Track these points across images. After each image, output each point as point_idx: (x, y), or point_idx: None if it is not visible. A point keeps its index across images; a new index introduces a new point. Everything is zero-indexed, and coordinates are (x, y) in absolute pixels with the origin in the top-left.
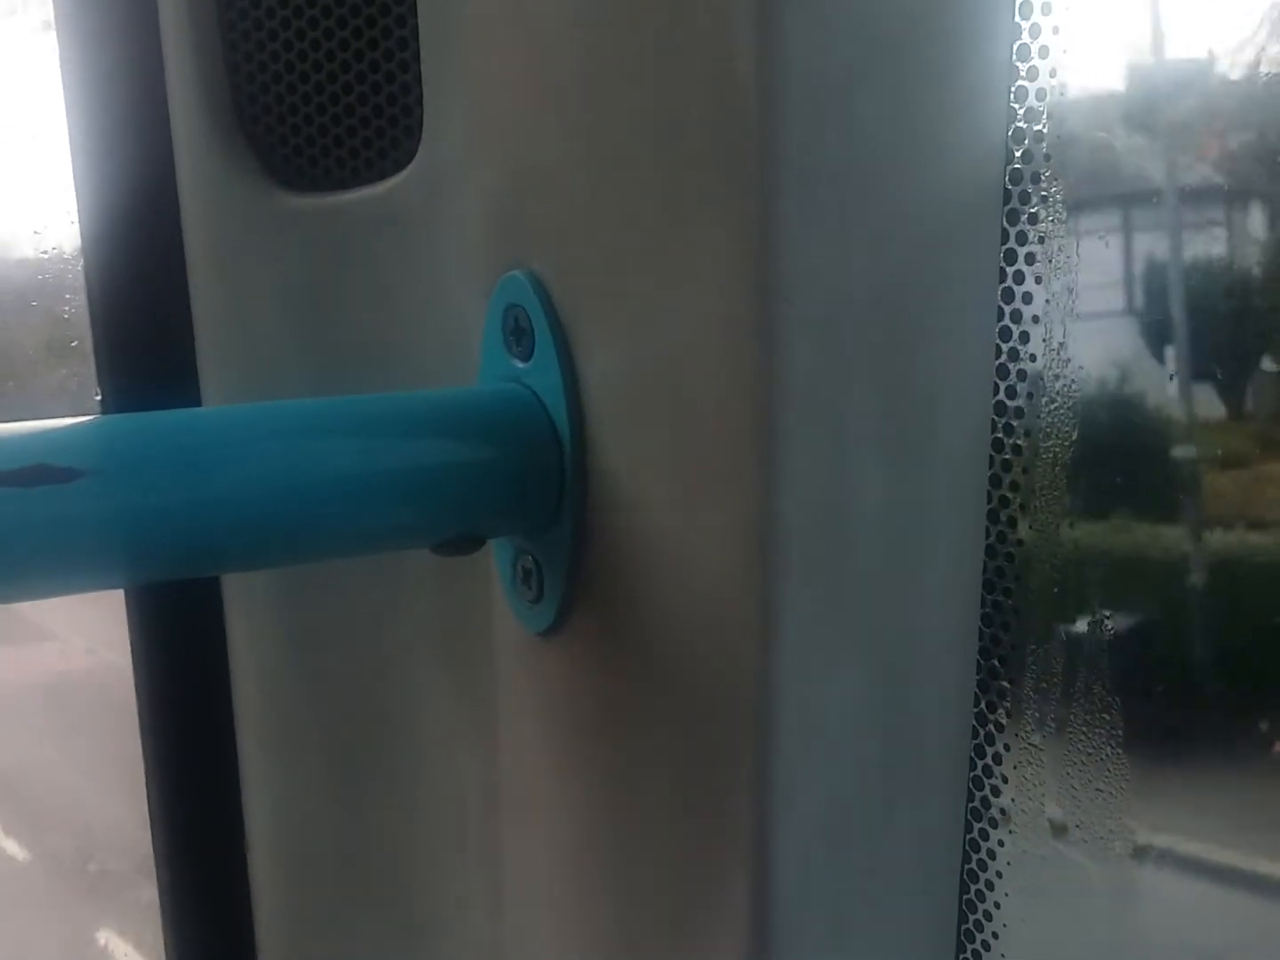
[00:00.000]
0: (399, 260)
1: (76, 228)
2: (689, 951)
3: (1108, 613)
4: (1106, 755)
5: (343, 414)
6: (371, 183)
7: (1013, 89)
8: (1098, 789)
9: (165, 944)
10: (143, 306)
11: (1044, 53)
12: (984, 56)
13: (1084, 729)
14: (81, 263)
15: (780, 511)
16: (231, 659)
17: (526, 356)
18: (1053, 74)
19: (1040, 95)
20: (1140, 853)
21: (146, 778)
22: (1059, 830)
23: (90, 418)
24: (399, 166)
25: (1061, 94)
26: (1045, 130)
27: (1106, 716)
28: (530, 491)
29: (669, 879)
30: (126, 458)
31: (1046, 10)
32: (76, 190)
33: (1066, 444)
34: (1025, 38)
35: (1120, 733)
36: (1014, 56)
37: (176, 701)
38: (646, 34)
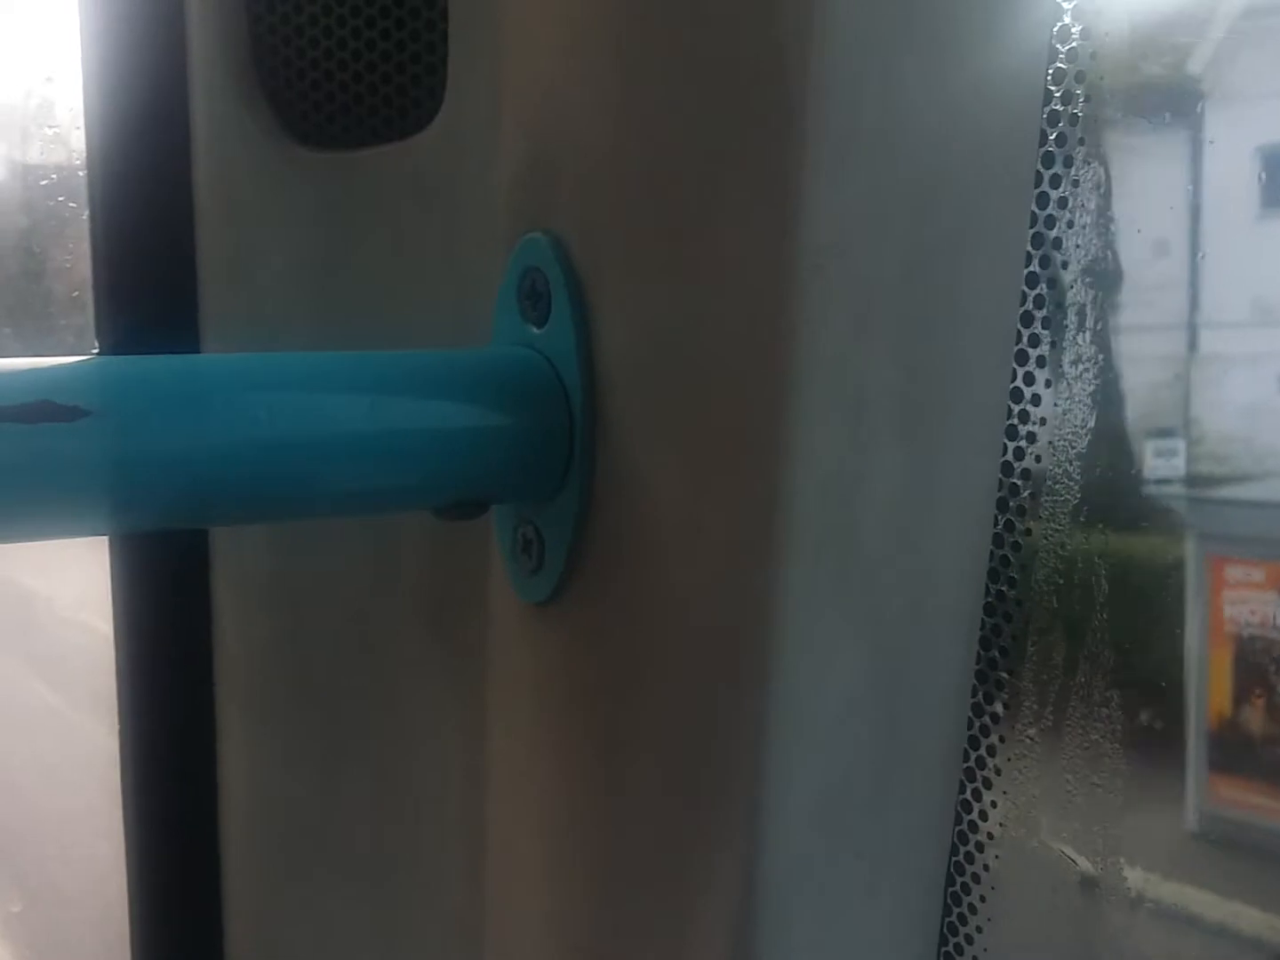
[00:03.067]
0: (415, 220)
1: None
2: (676, 930)
3: (1112, 608)
4: (1103, 751)
5: (350, 369)
6: (391, 141)
7: (1050, 69)
8: (1094, 784)
9: (131, 913)
10: (149, 258)
11: (1085, 35)
12: (1023, 25)
13: (1081, 723)
14: (87, 211)
15: (792, 490)
16: (215, 618)
17: (542, 321)
18: (1093, 57)
19: (1079, 77)
20: (1132, 851)
21: (120, 735)
22: (1051, 825)
23: (98, 357)
24: (419, 125)
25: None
26: (1080, 112)
27: (1105, 711)
28: (538, 458)
29: (657, 856)
30: (132, 400)
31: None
32: (88, 136)
33: (1081, 434)
34: (1068, 18)
35: (1118, 729)
36: (1053, 37)
37: (157, 659)
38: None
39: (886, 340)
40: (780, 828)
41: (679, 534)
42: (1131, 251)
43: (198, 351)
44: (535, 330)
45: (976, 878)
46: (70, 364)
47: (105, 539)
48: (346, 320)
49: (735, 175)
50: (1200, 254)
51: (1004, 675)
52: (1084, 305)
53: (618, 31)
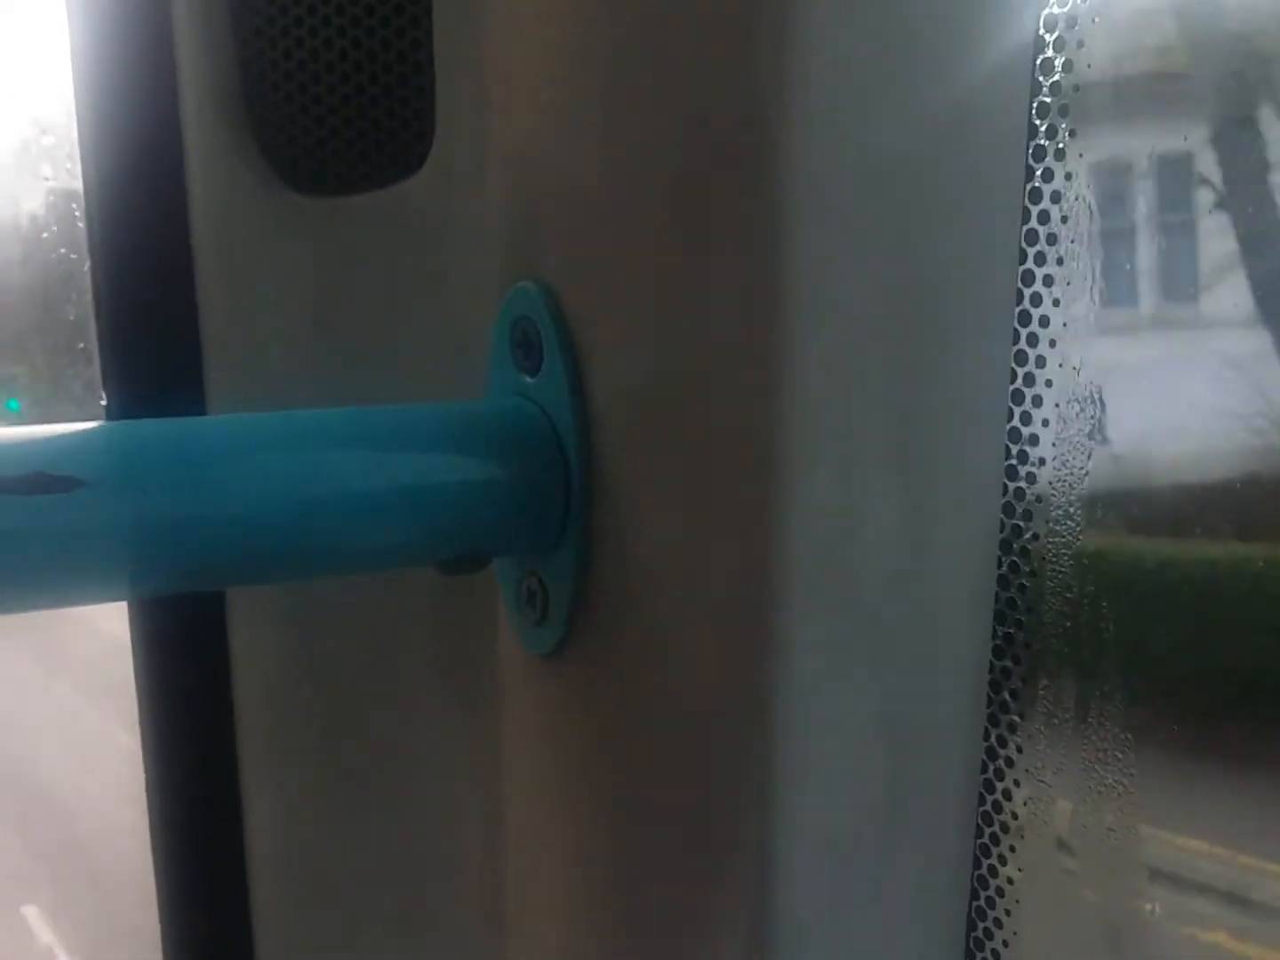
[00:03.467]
0: (408, 266)
1: (84, 228)
2: None
3: (1123, 645)
4: (1121, 791)
5: (347, 426)
6: (382, 185)
7: (1033, 106)
8: (1109, 829)
9: (164, 954)
10: (150, 309)
11: (1068, 67)
12: (1004, 64)
13: (1098, 765)
14: (88, 264)
15: (790, 536)
16: (234, 673)
17: (535, 370)
18: (1077, 89)
19: (1062, 110)
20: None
21: (147, 789)
22: (1070, 870)
23: (91, 425)
24: (410, 170)
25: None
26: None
27: (1119, 755)
28: (536, 510)
29: (671, 902)
30: (127, 467)
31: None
32: (85, 189)
33: (1082, 471)
34: (1050, 51)
35: (1134, 770)
36: (1037, 72)
37: (179, 714)
38: (666, 43)
39: (877, 381)
40: (791, 873)
41: (678, 582)
42: (1124, 281)
43: (202, 398)
44: (529, 379)
45: (999, 923)
46: (63, 433)
47: None
48: (345, 366)
49: (717, 220)
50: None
51: (1016, 719)
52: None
53: (601, 79)
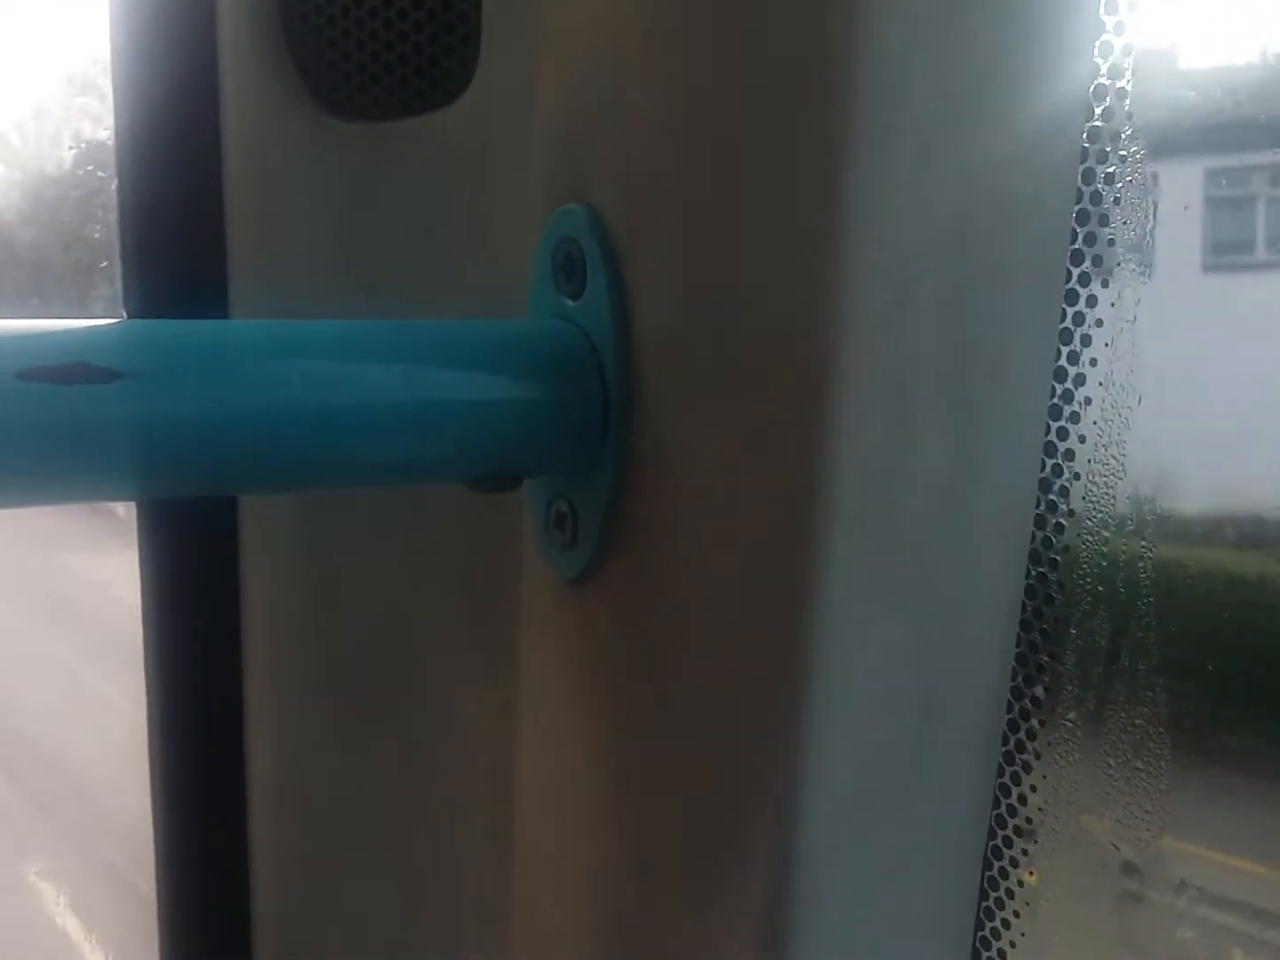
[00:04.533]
0: (446, 192)
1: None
2: (709, 906)
3: (1156, 593)
4: (1146, 735)
5: (385, 338)
6: (423, 112)
7: (1098, 44)
8: (1135, 768)
9: (158, 890)
10: (177, 229)
11: (1132, 5)
12: (1072, 9)
13: (1124, 708)
14: (115, 182)
15: (833, 466)
16: (244, 590)
17: (577, 293)
18: (1141, 30)
19: (1126, 51)
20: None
21: (149, 710)
22: (1090, 811)
23: (133, 320)
24: (452, 97)
25: (1147, 53)
26: (1129, 88)
27: (1150, 694)
28: (573, 432)
29: (690, 833)
30: (165, 362)
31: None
32: (116, 106)
33: (1125, 415)
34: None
35: (1162, 712)
36: (1102, 10)
37: (185, 632)
38: None
39: (930, 316)
40: (815, 806)
41: (715, 510)
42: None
43: (225, 317)
44: (570, 302)
45: (1015, 862)
46: (105, 326)
47: (134, 511)
48: (376, 292)
49: (780, 151)
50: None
51: (1046, 659)
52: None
53: (655, 4)
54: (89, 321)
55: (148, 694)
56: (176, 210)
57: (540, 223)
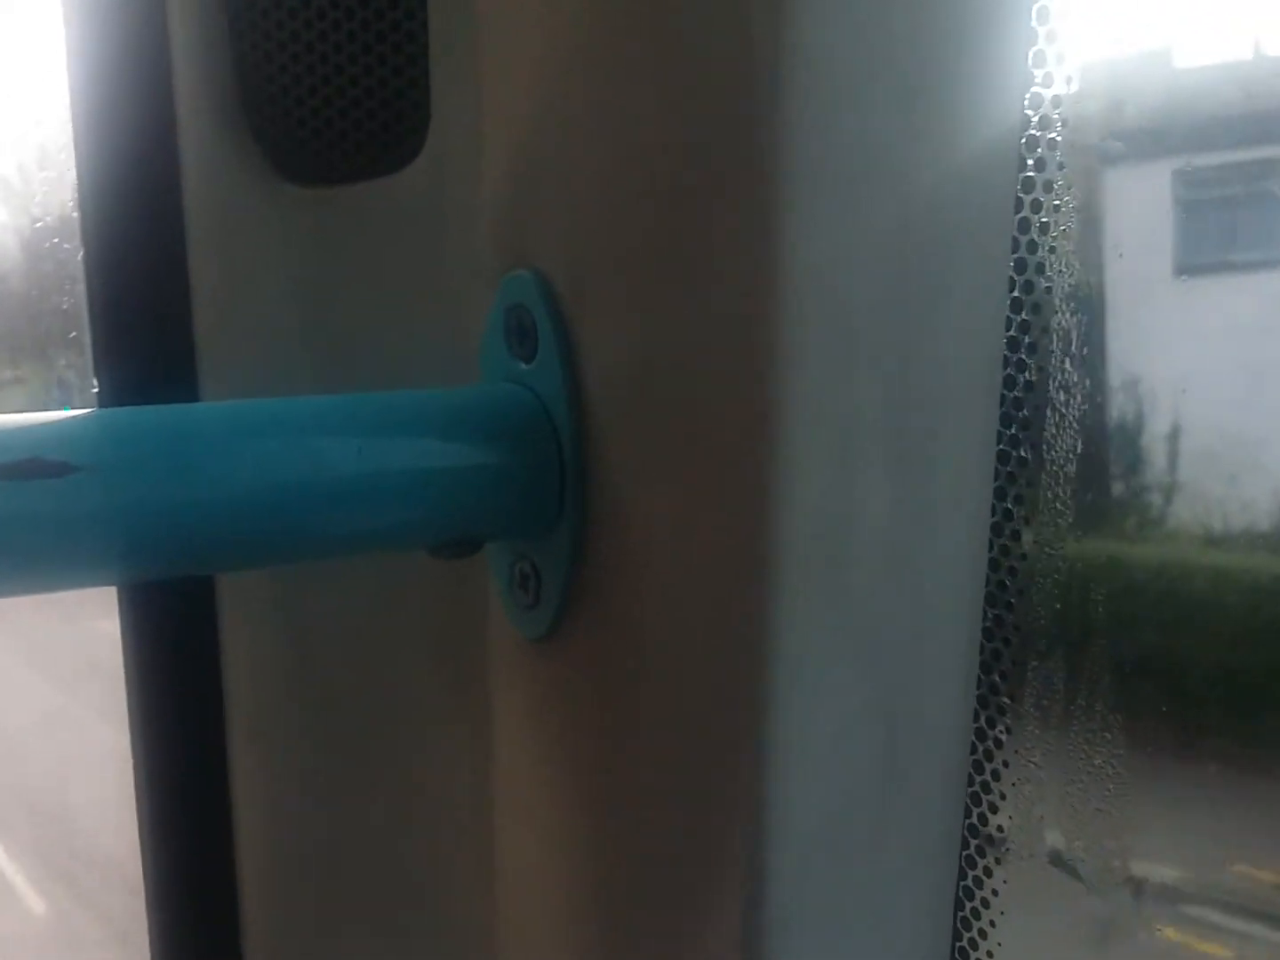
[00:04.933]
0: (401, 255)
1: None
2: (681, 955)
3: (1111, 628)
4: (1107, 774)
5: (341, 412)
6: (377, 175)
7: (1028, 94)
8: (1097, 809)
9: (151, 939)
10: (143, 298)
11: (1060, 59)
12: (999, 59)
13: (1084, 747)
14: (81, 253)
15: (782, 520)
16: (224, 657)
17: (529, 357)
18: (1069, 81)
19: (1055, 102)
20: (1138, 875)
21: (135, 773)
22: (1056, 850)
23: (85, 411)
24: (405, 160)
25: (1077, 102)
26: (1059, 139)
27: (1108, 736)
28: (530, 495)
29: (662, 883)
30: (121, 453)
31: (1065, 15)
32: (79, 178)
33: (1073, 455)
34: (1042, 43)
35: (1121, 751)
36: (1030, 61)
37: (168, 699)
38: (660, 29)
39: (872, 367)
40: (784, 859)
41: (672, 566)
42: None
43: (195, 388)
44: (524, 366)
45: (986, 902)
46: (58, 419)
47: None
48: (339, 356)
49: (712, 211)
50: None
51: (1006, 700)
52: (1069, 329)
53: (595, 66)
54: (42, 415)
55: (133, 752)
56: (142, 280)
57: (493, 287)
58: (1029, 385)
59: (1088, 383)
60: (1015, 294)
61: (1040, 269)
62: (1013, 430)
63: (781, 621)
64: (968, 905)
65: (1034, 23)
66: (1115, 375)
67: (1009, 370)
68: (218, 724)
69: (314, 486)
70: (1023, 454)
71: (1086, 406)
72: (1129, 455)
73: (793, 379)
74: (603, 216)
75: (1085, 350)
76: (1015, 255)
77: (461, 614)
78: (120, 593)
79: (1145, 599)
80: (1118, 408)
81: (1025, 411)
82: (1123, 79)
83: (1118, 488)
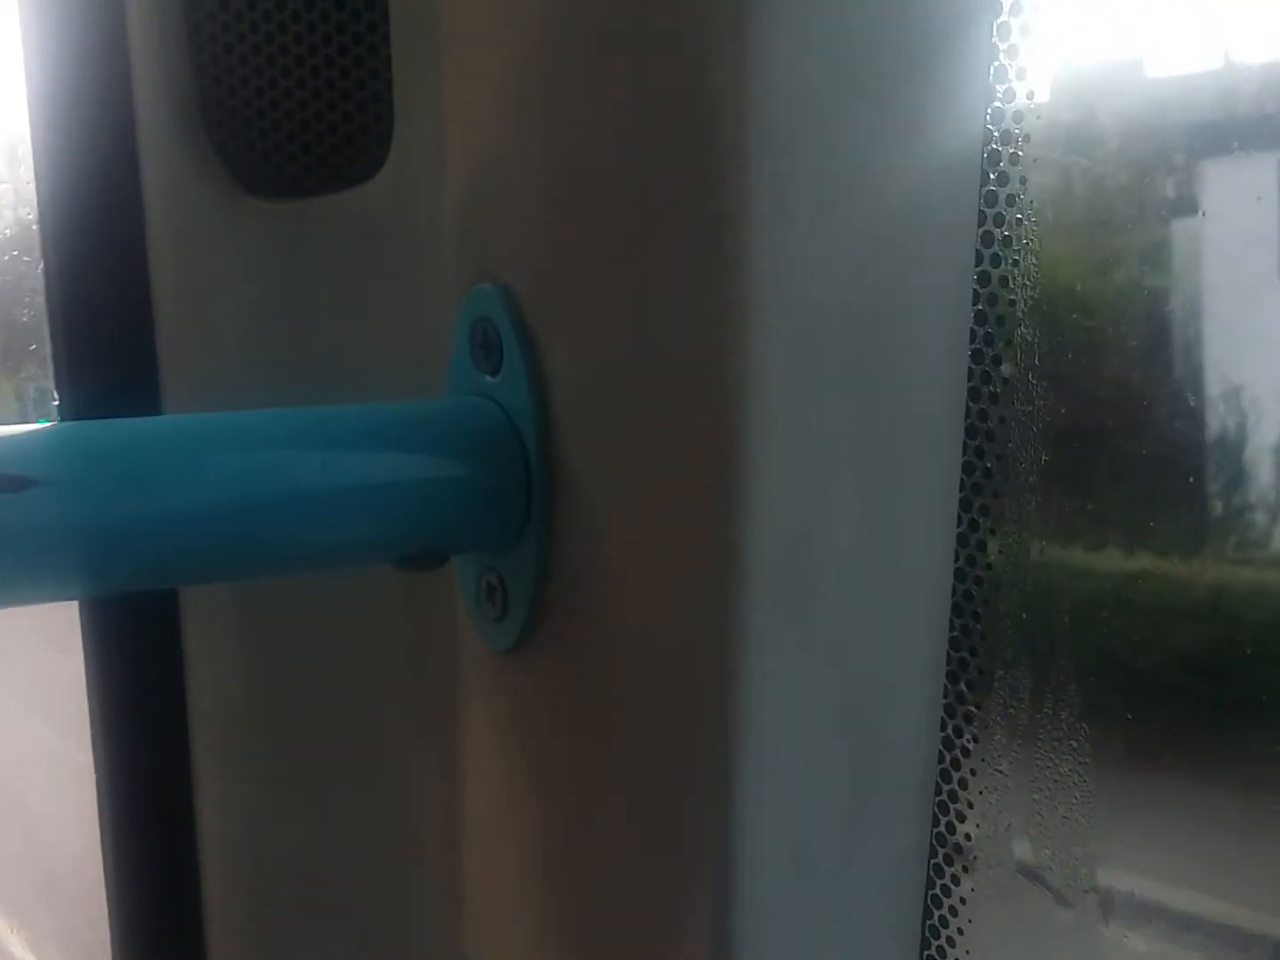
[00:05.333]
0: (367, 269)
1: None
2: None
3: (1077, 638)
4: (1074, 782)
5: (305, 425)
6: (340, 189)
7: (989, 109)
8: (1064, 817)
9: (113, 955)
10: (105, 312)
11: (1021, 74)
12: (962, 75)
13: (1051, 755)
14: (41, 266)
15: (749, 532)
16: (188, 672)
17: (495, 370)
18: (1030, 96)
19: (1017, 117)
20: (1106, 884)
21: (98, 792)
22: (1023, 858)
23: (44, 425)
24: (368, 174)
25: (1039, 117)
26: (1021, 153)
27: (1074, 744)
28: (496, 508)
29: (631, 900)
30: (80, 468)
31: (1025, 31)
32: (39, 192)
33: (1038, 466)
34: (1003, 59)
35: (1088, 760)
36: (991, 76)
37: (131, 715)
38: (620, 42)
39: (837, 383)
40: (753, 869)
41: (638, 578)
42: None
43: (157, 403)
44: (489, 379)
45: (954, 910)
46: (16, 434)
47: None
48: (303, 369)
49: (675, 221)
50: None
51: (973, 709)
52: (1033, 341)
53: (555, 81)
54: (1, 429)
55: (96, 769)
56: (103, 293)
57: (458, 300)
58: (994, 397)
59: (1051, 394)
60: (979, 307)
61: (1004, 281)
62: (978, 441)
63: (749, 634)
64: (935, 913)
65: (994, 38)
66: (1084, 385)
67: (973, 382)
68: (182, 739)
69: (278, 500)
70: (988, 465)
71: (1049, 418)
72: (1104, 465)
73: (758, 390)
74: (567, 230)
75: (1052, 362)
76: (979, 269)
77: (429, 627)
78: (81, 606)
79: (1105, 607)
80: (1083, 418)
81: (990, 422)
82: (1098, 89)
83: (1085, 498)
